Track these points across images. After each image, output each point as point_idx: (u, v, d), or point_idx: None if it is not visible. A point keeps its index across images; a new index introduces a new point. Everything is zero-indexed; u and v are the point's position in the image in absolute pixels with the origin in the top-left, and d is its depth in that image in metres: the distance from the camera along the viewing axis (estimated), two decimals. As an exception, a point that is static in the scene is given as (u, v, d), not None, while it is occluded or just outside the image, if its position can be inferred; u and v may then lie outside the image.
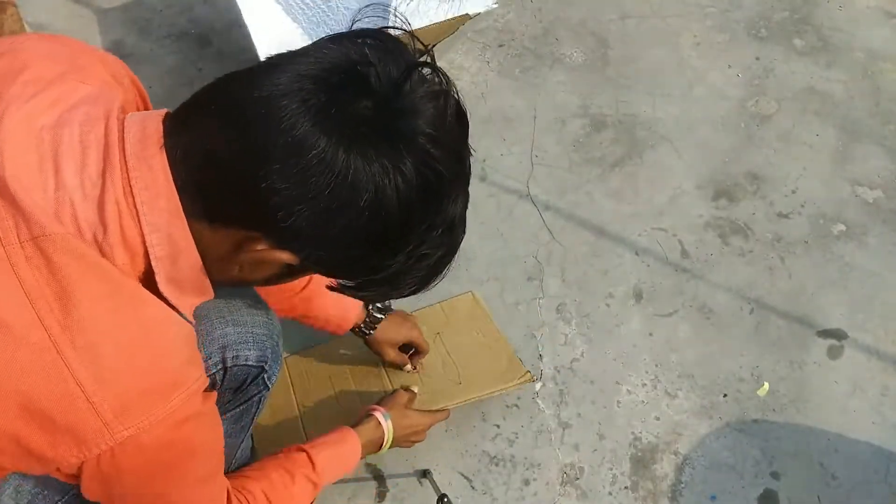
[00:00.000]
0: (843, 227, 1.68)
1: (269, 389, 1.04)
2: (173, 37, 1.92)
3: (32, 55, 0.71)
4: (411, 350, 1.33)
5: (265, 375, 1.01)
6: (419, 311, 1.43)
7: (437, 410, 1.27)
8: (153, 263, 0.65)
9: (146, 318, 0.64)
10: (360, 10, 0.72)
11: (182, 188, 0.64)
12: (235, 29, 1.84)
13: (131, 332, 0.63)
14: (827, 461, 1.38)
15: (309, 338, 1.39)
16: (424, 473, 1.31)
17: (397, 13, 1.75)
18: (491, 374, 1.35)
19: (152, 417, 0.63)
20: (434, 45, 1.59)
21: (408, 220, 0.66)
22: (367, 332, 1.24)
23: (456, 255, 0.75)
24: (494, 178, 1.71)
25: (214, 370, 0.94)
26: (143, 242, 0.64)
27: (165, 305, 0.67)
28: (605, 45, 1.98)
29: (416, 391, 1.27)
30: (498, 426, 1.39)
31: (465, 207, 0.72)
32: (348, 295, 0.76)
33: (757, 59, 1.98)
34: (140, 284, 0.66)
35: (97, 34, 1.90)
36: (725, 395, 1.44)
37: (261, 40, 1.53)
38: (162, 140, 0.64)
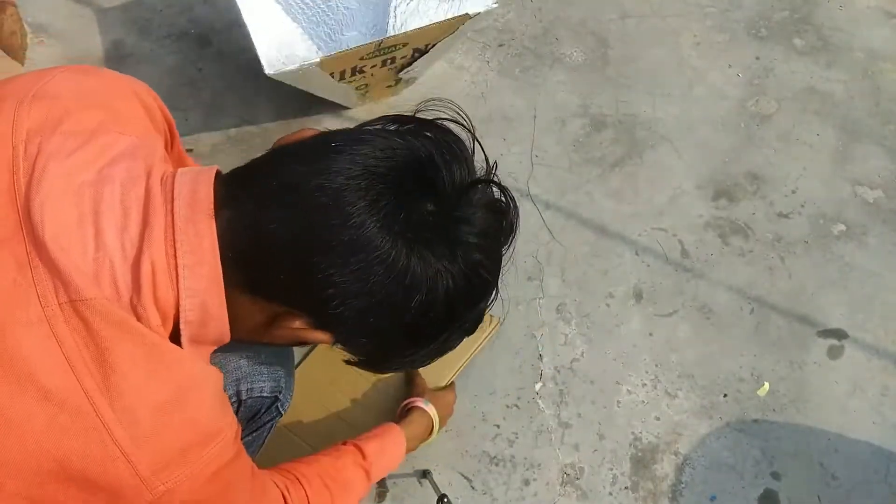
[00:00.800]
0: (843, 227, 1.68)
1: (281, 416, 1.04)
2: (173, 37, 1.92)
3: (71, 101, 0.70)
4: None
5: (278, 404, 1.02)
6: None
7: (448, 385, 1.33)
8: (181, 326, 0.66)
9: (182, 380, 0.64)
10: (423, 101, 0.74)
11: (228, 258, 0.65)
12: (235, 29, 1.83)
13: (167, 395, 0.63)
14: (827, 461, 1.38)
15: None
16: (424, 473, 1.31)
17: (397, 13, 1.76)
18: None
19: (189, 470, 0.63)
20: (432, 46, 1.59)
21: (449, 319, 0.70)
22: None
23: None
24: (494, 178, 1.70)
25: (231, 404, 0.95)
26: (176, 305, 0.65)
27: (199, 363, 0.67)
28: (605, 45, 1.97)
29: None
30: (498, 426, 1.39)
31: (490, 303, 0.76)
32: (362, 368, 0.78)
33: (757, 58, 1.98)
34: (172, 344, 0.66)
35: (97, 34, 1.89)
36: (725, 395, 1.44)
37: (261, 40, 1.53)
38: (212, 207, 0.64)
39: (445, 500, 1.24)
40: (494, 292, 0.75)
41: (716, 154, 1.79)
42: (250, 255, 0.65)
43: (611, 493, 1.33)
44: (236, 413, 0.95)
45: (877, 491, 1.35)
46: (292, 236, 0.63)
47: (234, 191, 0.66)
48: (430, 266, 0.65)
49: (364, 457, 1.02)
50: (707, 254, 1.63)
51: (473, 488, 1.33)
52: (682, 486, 1.34)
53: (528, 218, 1.65)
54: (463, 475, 1.34)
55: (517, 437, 1.38)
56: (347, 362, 0.78)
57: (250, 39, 1.53)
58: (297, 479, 0.91)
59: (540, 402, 1.42)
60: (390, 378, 1.34)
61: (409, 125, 0.69)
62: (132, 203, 0.63)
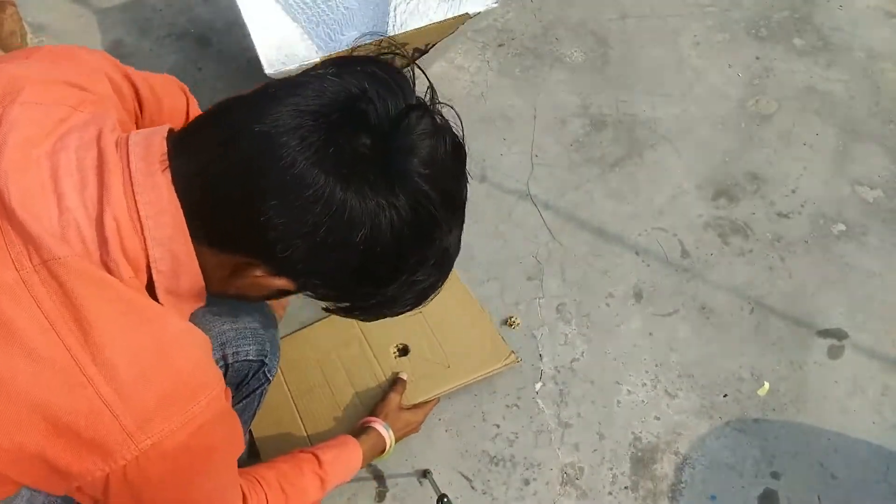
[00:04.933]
0: (843, 227, 1.68)
1: (269, 382, 1.06)
2: (173, 37, 1.92)
3: (36, 74, 0.72)
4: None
5: (265, 369, 1.03)
6: None
7: (427, 402, 1.30)
8: (154, 276, 0.67)
9: (162, 334, 0.66)
10: (361, 35, 0.74)
11: (185, 209, 0.66)
12: (235, 29, 1.83)
13: (147, 347, 0.64)
14: (827, 461, 1.38)
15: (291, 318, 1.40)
16: (424, 473, 1.31)
17: (397, 13, 1.76)
18: (477, 356, 1.36)
19: (173, 424, 0.64)
20: (432, 46, 1.59)
21: (400, 254, 0.69)
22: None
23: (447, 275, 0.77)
24: (494, 178, 1.70)
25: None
26: (147, 256, 0.66)
27: (178, 317, 0.68)
28: (604, 45, 1.97)
29: (405, 378, 1.30)
30: (498, 426, 1.39)
31: (460, 236, 0.74)
32: (341, 316, 0.78)
33: (757, 58, 1.98)
34: (150, 299, 0.67)
35: (97, 34, 1.89)
36: (725, 395, 1.45)
37: (261, 40, 1.53)
38: (165, 159, 0.66)
39: (445, 499, 1.24)
40: (455, 220, 0.73)
41: (716, 154, 1.79)
42: (204, 205, 0.66)
43: (611, 493, 1.33)
44: (224, 377, 0.96)
45: (876, 490, 1.35)
46: (233, 183, 0.64)
47: (184, 143, 0.68)
48: (369, 200, 0.64)
49: (320, 465, 1.03)
50: (707, 254, 1.63)
51: (473, 488, 1.33)
52: (682, 485, 1.34)
53: (528, 218, 1.66)
54: (463, 475, 1.34)
55: (517, 437, 1.38)
56: (326, 310, 0.78)
57: (250, 39, 1.53)
58: (258, 480, 0.93)
59: (540, 401, 1.42)
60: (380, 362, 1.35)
61: (348, 64, 0.69)
62: (87, 166, 0.65)
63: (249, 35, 1.53)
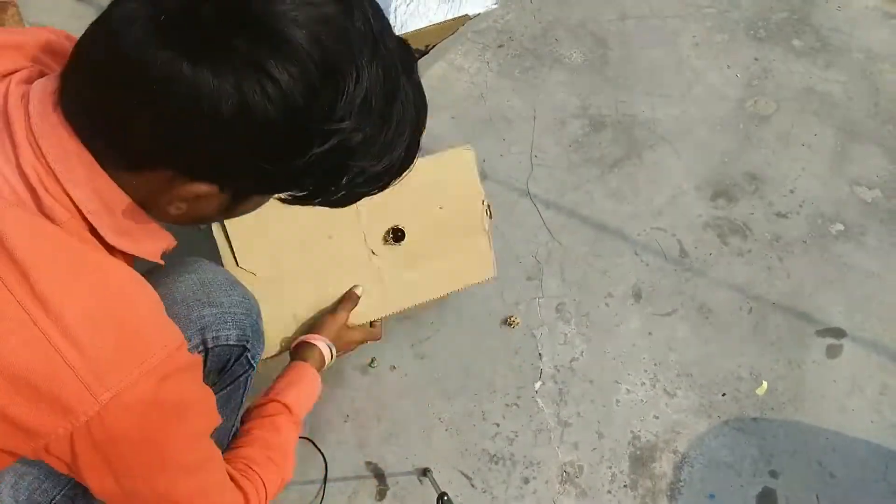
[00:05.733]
0: (841, 227, 1.69)
1: (254, 369, 1.05)
2: (174, 37, 1.92)
3: None
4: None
5: (248, 354, 1.02)
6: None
7: (372, 326, 1.30)
8: (89, 218, 0.65)
9: (106, 281, 0.64)
10: None
11: (90, 142, 0.64)
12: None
13: (97, 297, 0.63)
14: (825, 460, 1.38)
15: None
16: (424, 472, 1.32)
17: (397, 14, 1.76)
18: (459, 267, 1.32)
19: (131, 376, 0.62)
20: (432, 47, 1.60)
21: (295, 119, 0.60)
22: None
23: (413, 132, 0.68)
24: (494, 178, 1.71)
25: (195, 352, 0.94)
26: (72, 200, 0.64)
27: (126, 266, 0.67)
28: (604, 46, 1.98)
29: (359, 294, 1.26)
30: (498, 425, 1.39)
31: (389, 74, 0.64)
32: (307, 205, 0.72)
33: (756, 59, 1.98)
34: (92, 246, 0.66)
35: (98, 35, 1.90)
36: (724, 394, 1.45)
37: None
38: (56, 98, 0.64)
39: (445, 498, 1.24)
40: (362, 57, 0.61)
41: (715, 154, 1.80)
42: (100, 132, 0.63)
43: (610, 492, 1.34)
44: (205, 363, 0.96)
45: (875, 489, 1.36)
46: (104, 96, 0.61)
47: (65, 75, 0.65)
48: (226, 74, 0.57)
49: (290, 411, 1.04)
50: (706, 253, 1.64)
51: (473, 486, 1.33)
52: (681, 484, 1.35)
53: (527, 218, 1.66)
54: (463, 473, 1.34)
55: (517, 436, 1.38)
56: (284, 201, 0.72)
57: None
58: (248, 465, 0.92)
59: (539, 400, 1.42)
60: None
61: None
62: None
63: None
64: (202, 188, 0.65)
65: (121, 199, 0.66)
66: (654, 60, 1.96)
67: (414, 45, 1.67)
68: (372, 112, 0.64)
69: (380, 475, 1.33)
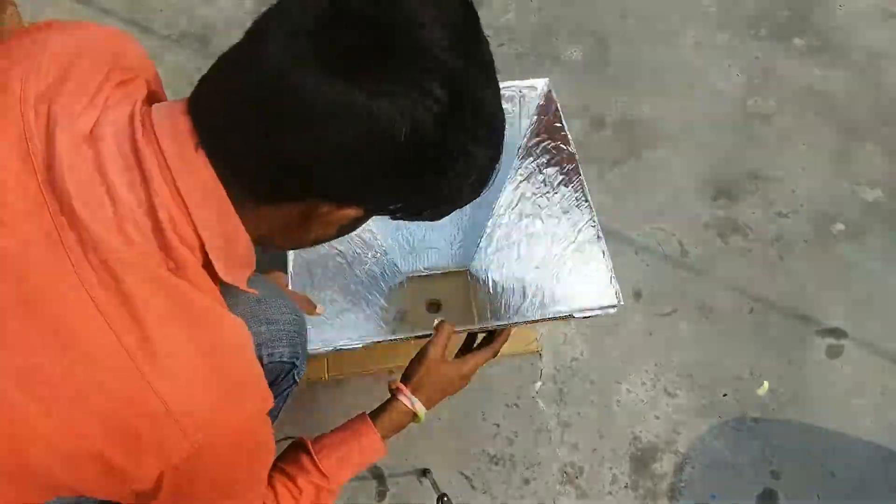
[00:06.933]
0: (842, 227, 1.69)
1: (297, 384, 1.05)
2: (173, 37, 1.92)
3: (71, 58, 0.69)
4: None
5: (295, 371, 1.03)
6: None
7: (481, 347, 1.10)
8: (210, 254, 0.66)
9: (218, 336, 0.65)
10: None
11: (229, 180, 0.64)
12: (235, 29, 1.84)
13: (203, 349, 0.63)
14: (826, 460, 1.38)
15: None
16: (424, 472, 1.32)
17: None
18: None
19: (229, 425, 0.65)
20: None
21: (446, 140, 0.63)
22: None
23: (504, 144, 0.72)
24: (494, 177, 1.70)
25: None
26: (199, 238, 0.65)
27: (230, 316, 0.67)
28: (604, 45, 1.98)
29: (451, 327, 1.07)
30: (498, 425, 1.39)
31: (497, 97, 0.67)
32: (407, 220, 0.74)
33: (757, 58, 1.98)
34: (211, 299, 0.66)
35: (97, 34, 1.90)
36: (725, 395, 1.45)
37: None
38: (196, 138, 0.63)
39: (445, 498, 1.24)
40: (486, 81, 0.65)
41: (715, 153, 1.80)
42: (245, 170, 0.64)
43: (610, 493, 1.33)
44: None
45: (876, 490, 1.35)
46: (253, 134, 0.61)
47: (200, 111, 0.64)
48: (398, 97, 0.58)
49: (326, 478, 0.96)
50: (707, 253, 1.63)
51: (473, 487, 1.33)
52: (682, 484, 1.35)
53: (527, 217, 1.66)
54: (463, 474, 1.34)
55: (517, 436, 1.38)
56: (393, 217, 0.73)
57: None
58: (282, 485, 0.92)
59: (539, 401, 1.42)
60: None
61: None
62: (127, 150, 0.63)
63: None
64: (349, 213, 0.67)
65: (244, 237, 0.68)
66: (655, 60, 1.96)
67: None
68: (494, 128, 0.68)
69: (379, 476, 1.33)
